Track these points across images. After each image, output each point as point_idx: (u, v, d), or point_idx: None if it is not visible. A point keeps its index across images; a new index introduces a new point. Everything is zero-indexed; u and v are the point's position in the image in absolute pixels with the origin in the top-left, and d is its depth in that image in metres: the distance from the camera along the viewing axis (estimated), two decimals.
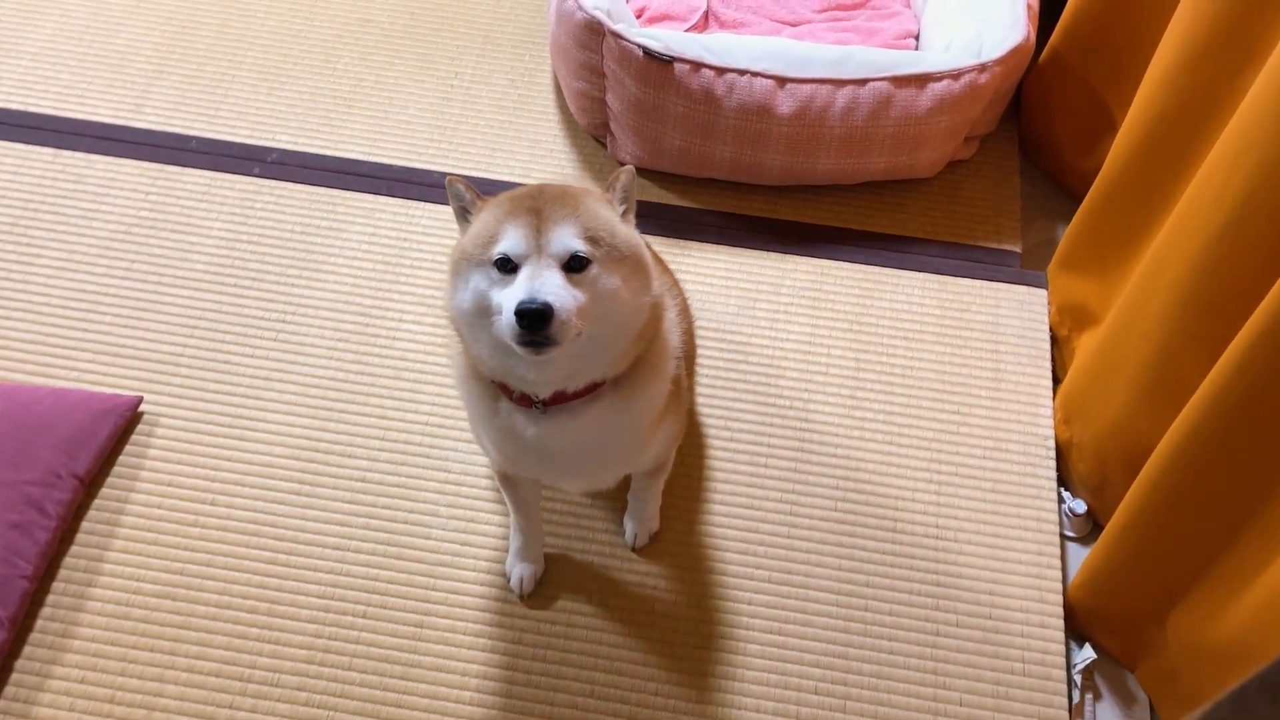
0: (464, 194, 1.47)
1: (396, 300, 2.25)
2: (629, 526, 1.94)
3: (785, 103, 2.21)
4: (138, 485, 1.99)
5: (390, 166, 2.45)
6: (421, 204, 2.39)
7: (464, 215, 1.48)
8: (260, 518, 1.96)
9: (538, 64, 2.65)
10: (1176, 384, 1.63)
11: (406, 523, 1.97)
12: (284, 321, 2.20)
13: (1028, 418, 2.12)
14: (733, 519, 1.99)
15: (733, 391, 2.14)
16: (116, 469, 2.00)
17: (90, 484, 1.97)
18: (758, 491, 2.02)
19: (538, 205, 1.37)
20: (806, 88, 2.21)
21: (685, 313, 1.74)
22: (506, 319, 1.30)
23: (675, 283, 1.72)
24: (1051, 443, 2.09)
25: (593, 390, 1.46)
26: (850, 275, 2.31)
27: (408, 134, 2.51)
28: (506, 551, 1.90)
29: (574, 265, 1.34)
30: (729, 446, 2.07)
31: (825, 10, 2.58)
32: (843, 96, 2.21)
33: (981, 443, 2.09)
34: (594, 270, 1.35)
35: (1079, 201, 2.41)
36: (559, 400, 1.46)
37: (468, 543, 1.95)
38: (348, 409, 2.10)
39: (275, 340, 2.18)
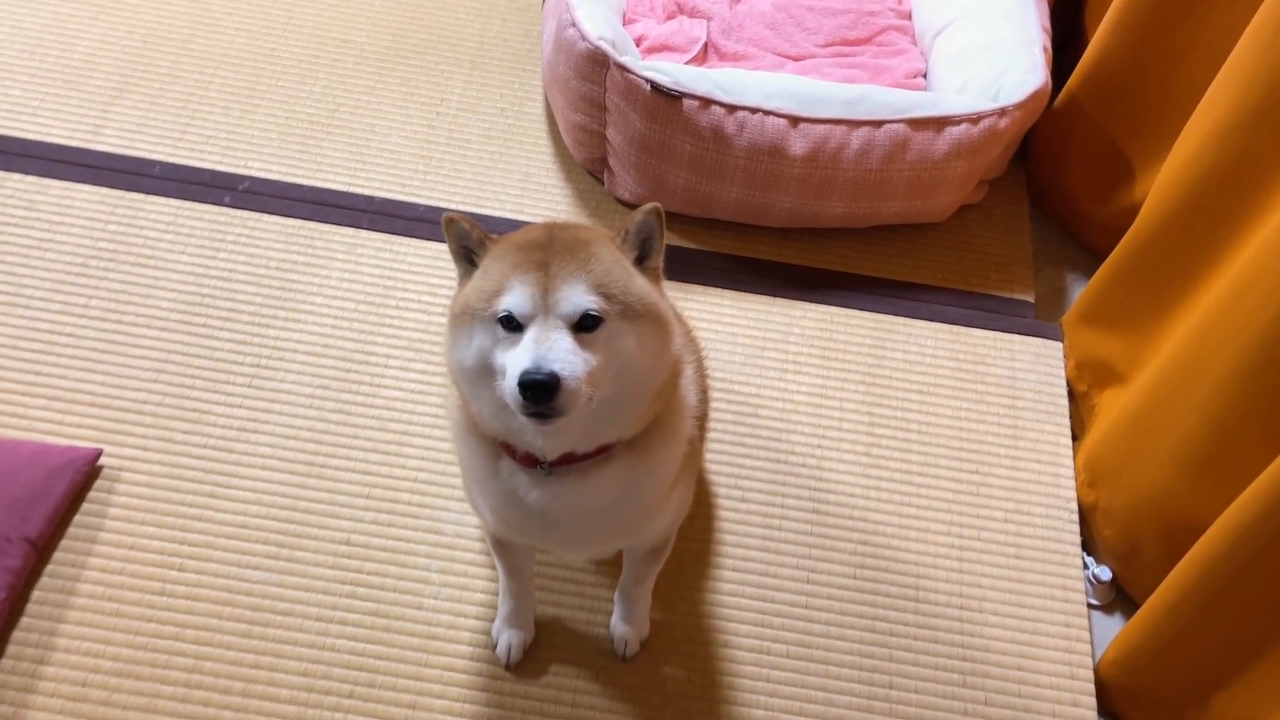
0: (469, 234, 1.32)
1: (381, 343, 2.09)
2: (618, 631, 1.78)
3: (798, 143, 2.11)
4: (96, 548, 1.80)
5: (373, 198, 2.30)
6: (407, 239, 2.24)
7: (467, 257, 1.34)
8: (233, 585, 1.79)
9: (528, 92, 2.51)
10: (1232, 459, 1.55)
11: (396, 591, 1.81)
12: (259, 366, 2.04)
13: (1049, 478, 2.03)
14: (746, 586, 1.86)
15: (743, 448, 2.02)
16: (72, 530, 1.82)
17: (43, 548, 1.79)
18: (772, 557, 1.90)
19: (546, 259, 1.25)
20: (820, 128, 2.11)
21: (701, 368, 1.62)
22: (510, 387, 1.19)
23: (692, 335, 1.60)
24: (1074, 505, 2.00)
25: (605, 451, 1.34)
26: (861, 324, 2.20)
27: (391, 163, 2.36)
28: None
29: (585, 324, 1.22)
30: (740, 508, 1.95)
31: (829, 45, 2.48)
32: (858, 138, 2.11)
33: (1002, 504, 1.99)
34: (607, 329, 1.23)
35: (1091, 250, 2.36)
36: (567, 461, 1.33)
37: (463, 613, 1.80)
38: (329, 463, 1.93)
39: (249, 387, 2.01)
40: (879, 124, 2.11)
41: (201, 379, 2.01)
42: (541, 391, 1.16)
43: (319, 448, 1.95)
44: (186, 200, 2.25)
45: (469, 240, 1.33)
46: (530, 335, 1.22)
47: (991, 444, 2.06)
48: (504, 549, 1.65)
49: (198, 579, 1.79)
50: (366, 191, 2.31)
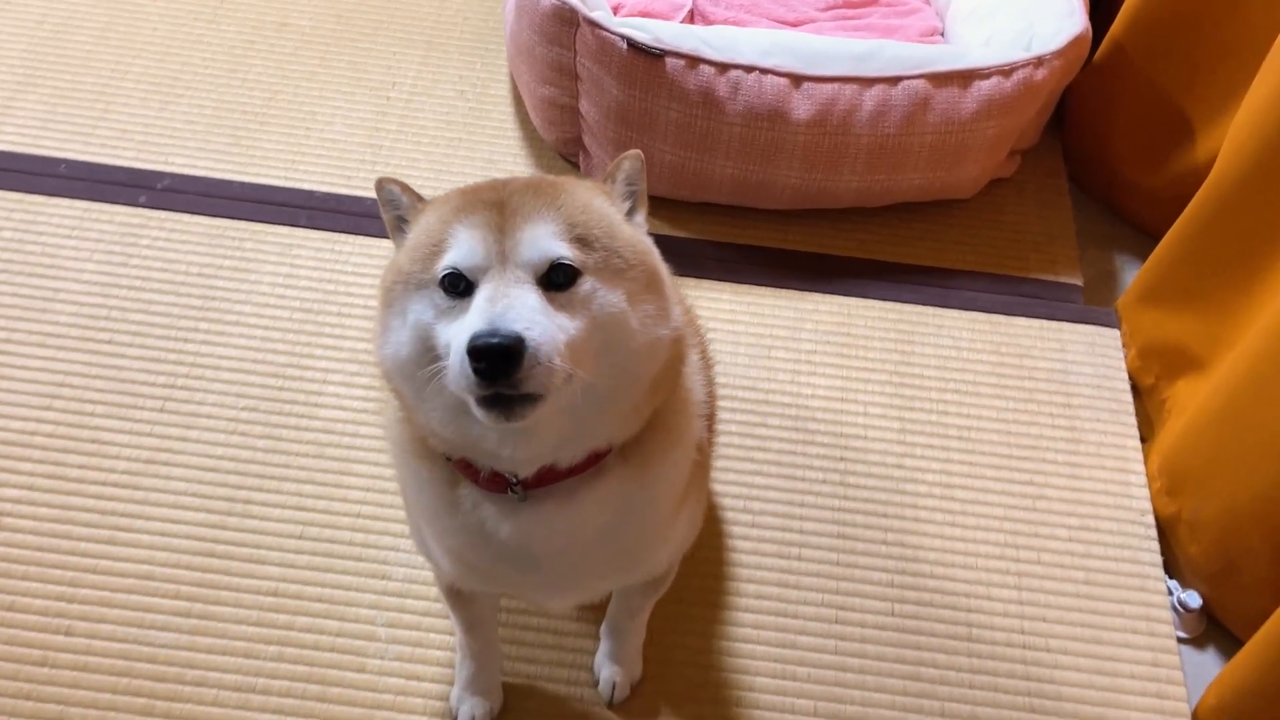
0: (399, 197, 1.06)
1: (319, 356, 1.77)
2: (604, 673, 1.46)
3: (802, 105, 1.80)
4: None
5: (312, 193, 1.99)
6: (352, 237, 1.93)
7: (401, 227, 1.05)
8: (133, 650, 1.46)
9: (492, 73, 2.21)
10: None
11: (334, 650, 1.48)
12: (173, 387, 1.72)
13: (1117, 488, 1.70)
14: (762, 630, 1.53)
15: (751, 463, 1.69)
16: None
17: None
18: (792, 593, 1.56)
19: (500, 197, 0.97)
20: (827, 87, 1.80)
21: (706, 357, 1.30)
22: (455, 362, 0.88)
23: (693, 316, 1.28)
24: (1150, 519, 1.67)
25: (594, 463, 1.03)
26: (883, 315, 1.88)
27: (335, 154, 2.05)
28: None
29: (557, 279, 0.93)
30: (750, 534, 1.62)
31: (830, 8, 2.19)
32: (871, 98, 1.81)
33: (1065, 521, 1.66)
34: (587, 284, 0.94)
35: (1139, 226, 2.06)
36: (546, 480, 1.02)
37: (416, 674, 1.46)
38: (255, 498, 1.61)
39: (161, 411, 1.69)
40: (895, 81, 1.81)
41: (103, 404, 1.69)
42: (500, 360, 0.85)
43: (243, 480, 1.62)
44: (95, 201, 1.94)
45: (400, 206, 1.04)
46: (483, 293, 0.91)
47: (1046, 449, 1.73)
48: (461, 600, 1.33)
49: (88, 644, 1.46)
50: (306, 185, 2.00)
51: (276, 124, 2.09)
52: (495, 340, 0.85)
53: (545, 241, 0.93)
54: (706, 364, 1.29)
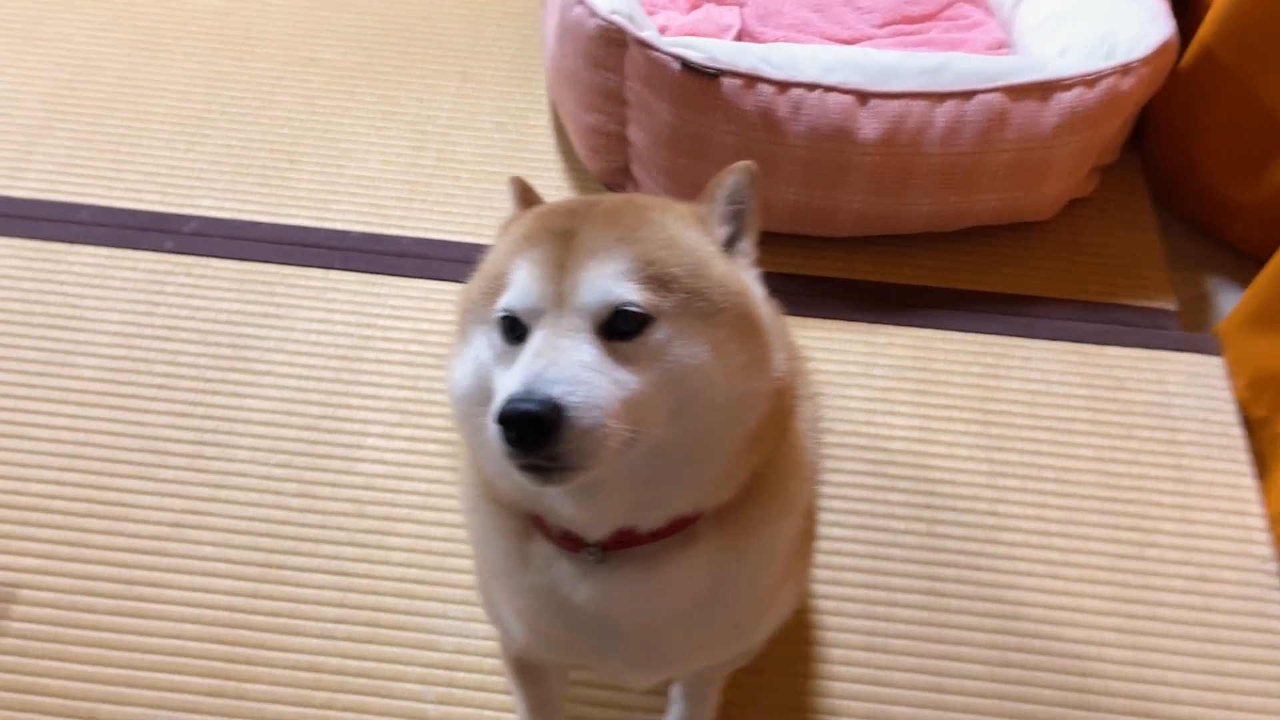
0: (516, 200, 1.00)
1: (358, 406, 1.65)
2: None
3: (869, 124, 1.67)
4: None
5: (347, 233, 1.88)
6: (389, 278, 1.81)
7: None
8: None
9: (531, 103, 2.10)
10: None
11: None
12: (202, 444, 1.60)
13: (1235, 532, 1.54)
14: (852, 702, 1.38)
15: (829, 513, 1.55)
16: None
17: None
18: (881, 658, 1.41)
19: (572, 225, 0.84)
20: (895, 104, 1.67)
21: (815, 410, 1.15)
22: (490, 424, 0.77)
23: (802, 361, 1.14)
24: (1274, 566, 1.51)
25: (680, 528, 0.89)
26: (963, 348, 1.74)
27: (369, 192, 1.94)
28: None
29: (621, 327, 0.80)
30: (833, 593, 1.47)
31: (888, 24, 2.07)
32: (943, 114, 1.68)
33: (1179, 571, 1.50)
34: (660, 333, 0.81)
35: (1232, 245, 1.92)
36: (627, 541, 0.88)
37: None
38: (290, 563, 1.48)
39: (189, 470, 1.57)
40: (969, 95, 1.68)
41: (128, 464, 1.57)
42: (531, 430, 0.74)
43: (277, 544, 1.50)
44: (119, 248, 1.83)
45: (514, 210, 0.96)
46: (531, 344, 0.80)
47: (1151, 491, 1.58)
48: (530, 675, 1.20)
49: None
50: (339, 226, 1.89)
51: (307, 162, 1.99)
52: (526, 408, 0.73)
53: (608, 283, 0.80)
54: (816, 419, 1.14)
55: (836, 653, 1.42)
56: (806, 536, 1.04)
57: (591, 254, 0.81)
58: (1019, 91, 1.68)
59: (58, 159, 1.97)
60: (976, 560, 1.50)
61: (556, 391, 0.74)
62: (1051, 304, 1.80)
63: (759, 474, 0.90)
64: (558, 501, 0.86)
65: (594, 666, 1.12)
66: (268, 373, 1.68)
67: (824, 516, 1.54)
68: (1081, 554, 1.51)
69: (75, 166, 1.96)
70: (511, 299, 0.82)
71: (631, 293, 0.80)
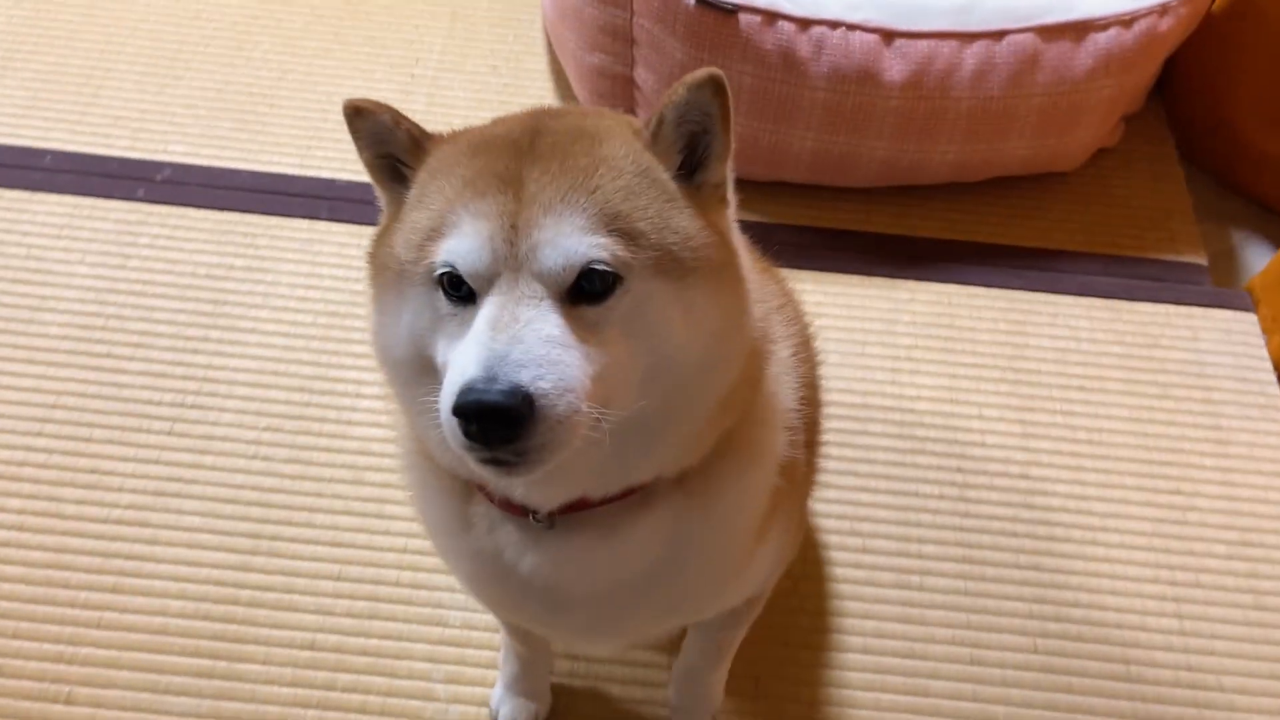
0: (391, 131, 0.79)
1: (350, 366, 1.54)
2: (677, 702, 1.24)
3: (894, 65, 1.57)
4: None
5: (333, 181, 1.76)
6: None
7: (394, 173, 0.80)
8: None
9: (527, 45, 1.98)
10: None
11: (383, 713, 1.25)
12: (183, 406, 1.48)
13: (1278, 494, 1.48)
14: (885, 674, 1.30)
15: (855, 478, 1.47)
16: None
17: None
18: (916, 629, 1.34)
19: (519, 168, 0.72)
20: (923, 44, 1.58)
21: (807, 346, 1.05)
22: (444, 416, 0.67)
23: (787, 297, 1.04)
24: None
25: (637, 490, 0.80)
26: (989, 304, 1.66)
27: None
28: None
29: (589, 288, 0.70)
30: (862, 561, 1.39)
31: None
32: (972, 55, 1.58)
33: (1222, 535, 1.43)
34: (628, 296, 0.70)
35: (1260, 200, 1.84)
36: (578, 506, 0.80)
37: None
38: (283, 535, 1.38)
39: (170, 435, 1.45)
40: (999, 35, 1.59)
41: (102, 428, 1.45)
42: (496, 425, 0.64)
43: (267, 513, 1.39)
44: (86, 196, 1.70)
45: (392, 142, 0.79)
46: (486, 313, 0.69)
47: (1190, 452, 1.51)
48: (517, 629, 1.12)
49: (92, 714, 1.23)
50: (325, 173, 1.77)
51: (288, 106, 1.86)
52: (491, 399, 0.63)
53: (570, 241, 0.69)
54: (809, 358, 1.04)
55: (867, 624, 1.34)
56: (787, 492, 0.94)
57: (547, 209, 0.70)
58: (1052, 32, 1.59)
59: (17, 100, 1.83)
60: (1012, 525, 1.43)
61: (525, 377, 0.65)
62: (1078, 258, 1.72)
63: (727, 430, 0.81)
64: (505, 484, 0.78)
65: (547, 632, 1.03)
66: (252, 330, 1.57)
67: (846, 481, 1.46)
68: (1120, 519, 1.44)
69: (36, 109, 1.82)
70: (456, 258, 0.70)
71: (599, 249, 0.69)
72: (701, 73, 0.74)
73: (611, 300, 0.70)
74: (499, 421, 0.64)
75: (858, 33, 1.57)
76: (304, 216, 1.71)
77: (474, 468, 0.70)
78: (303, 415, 1.48)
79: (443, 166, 0.76)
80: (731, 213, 0.82)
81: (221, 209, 1.71)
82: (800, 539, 1.15)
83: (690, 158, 0.77)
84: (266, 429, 1.47)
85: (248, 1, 2.01)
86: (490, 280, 0.70)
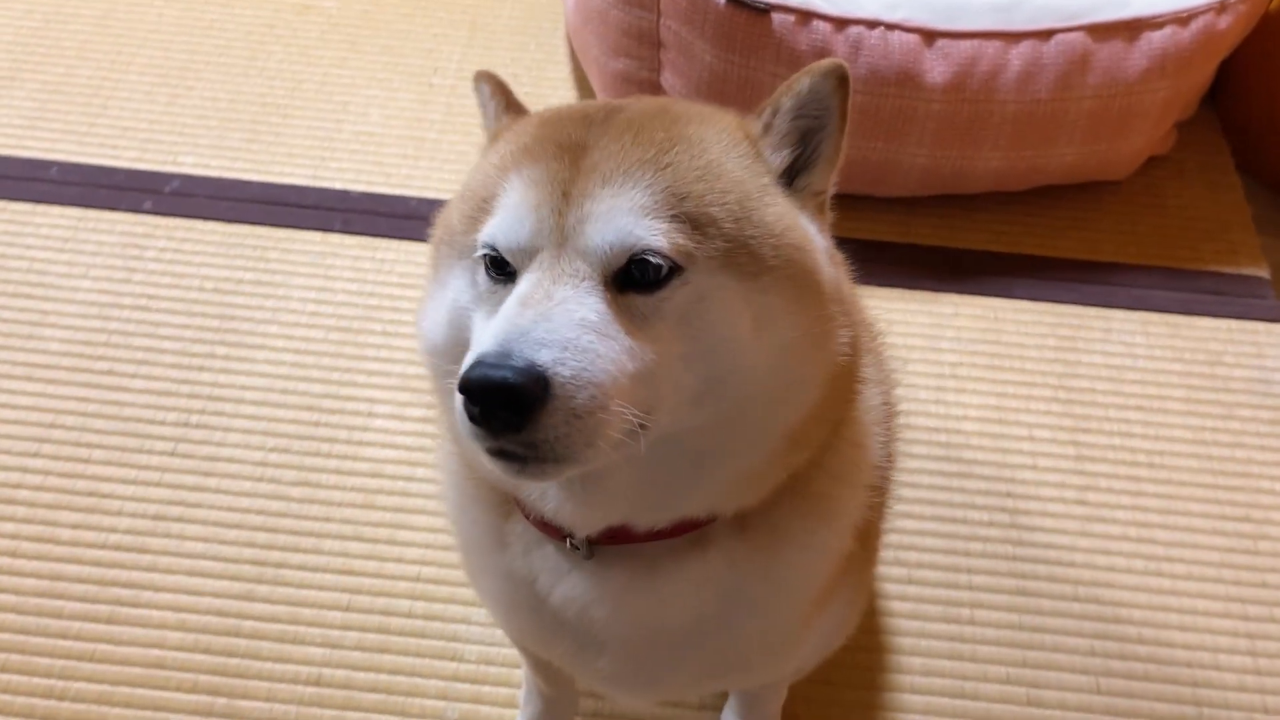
0: (487, 100, 0.79)
1: (363, 385, 1.46)
2: None
3: (936, 67, 1.49)
4: None
5: (347, 193, 1.69)
6: (395, 242, 1.63)
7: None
8: None
9: (548, 54, 1.92)
10: None
11: None
12: (187, 425, 1.41)
13: None
14: (934, 716, 1.20)
15: (899, 503, 1.37)
16: None
17: None
18: (969, 667, 1.24)
19: (584, 138, 0.66)
20: (966, 44, 1.50)
21: (889, 399, 0.95)
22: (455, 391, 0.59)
23: (875, 340, 0.95)
24: None
25: (690, 529, 0.72)
26: (1037, 319, 1.57)
27: (371, 149, 1.75)
28: None
29: (640, 276, 0.62)
30: (909, 593, 1.30)
31: None
32: (1018, 56, 1.50)
33: None
34: (688, 288, 0.63)
35: None
36: (620, 538, 0.71)
37: None
38: (289, 562, 1.29)
39: (172, 456, 1.38)
40: (1047, 34, 1.50)
41: (102, 448, 1.38)
42: (502, 406, 0.56)
43: (273, 539, 1.31)
44: (92, 208, 1.64)
45: (489, 113, 0.78)
46: (520, 288, 0.62)
47: (1259, 477, 1.41)
48: (540, 663, 1.04)
49: None
50: (338, 185, 1.70)
51: (301, 116, 1.80)
52: (499, 375, 0.55)
53: (625, 220, 0.62)
54: (891, 413, 0.94)
55: (917, 661, 1.24)
56: (862, 559, 0.84)
57: (606, 179, 0.63)
58: (1103, 31, 1.51)
59: (24, 112, 1.77)
60: (1068, 555, 1.33)
61: (543, 357, 0.57)
62: (1131, 270, 1.63)
63: (800, 474, 0.72)
64: (537, 494, 0.70)
65: (578, 674, 0.94)
66: (261, 346, 1.50)
67: (894, 506, 1.36)
68: (1185, 548, 1.34)
69: (44, 120, 1.76)
70: (497, 230, 0.64)
71: (655, 235, 0.62)
72: (826, 62, 0.69)
73: (666, 290, 0.62)
74: (504, 404, 0.56)
75: (897, 32, 1.49)
76: (317, 229, 1.64)
77: (483, 461, 0.62)
78: (312, 436, 1.41)
79: (511, 135, 0.72)
80: (826, 223, 0.75)
81: (231, 221, 1.64)
82: (863, 611, 1.06)
83: (796, 160, 0.71)
84: (274, 450, 1.39)
85: (262, 11, 1.96)
86: (531, 255, 0.63)
